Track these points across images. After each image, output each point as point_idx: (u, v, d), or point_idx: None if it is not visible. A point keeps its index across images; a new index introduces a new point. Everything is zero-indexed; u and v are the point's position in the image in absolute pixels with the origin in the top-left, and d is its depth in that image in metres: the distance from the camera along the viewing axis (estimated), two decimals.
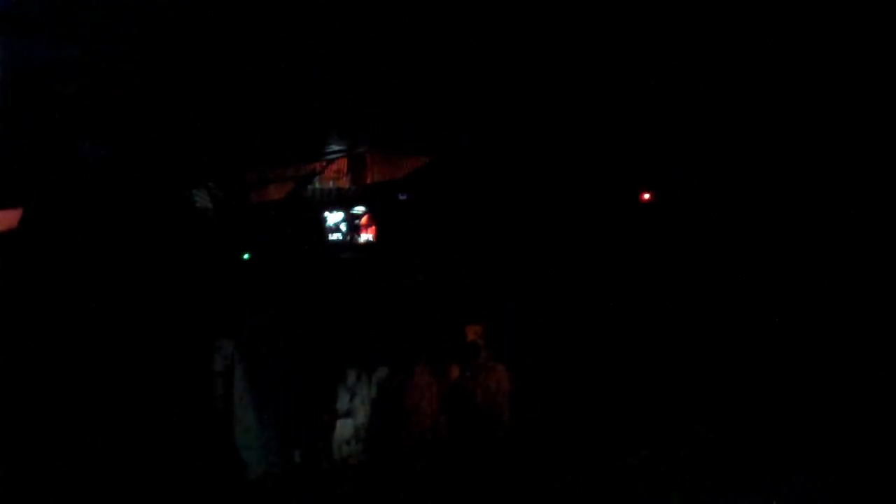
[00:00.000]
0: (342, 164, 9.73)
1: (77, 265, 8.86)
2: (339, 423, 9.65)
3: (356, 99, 7.96)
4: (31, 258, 8.75)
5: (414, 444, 9.29)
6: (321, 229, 9.53)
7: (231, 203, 10.15)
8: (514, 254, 9.93)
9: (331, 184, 9.70)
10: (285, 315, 9.66)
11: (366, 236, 9.61)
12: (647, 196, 9.73)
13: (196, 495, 8.95)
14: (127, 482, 8.55)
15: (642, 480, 8.51)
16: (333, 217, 9.61)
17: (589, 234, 9.90)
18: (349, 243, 9.52)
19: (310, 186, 9.61)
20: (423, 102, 7.93)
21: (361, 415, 9.69)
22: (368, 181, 9.63)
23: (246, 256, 10.18)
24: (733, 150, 8.94)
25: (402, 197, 9.41)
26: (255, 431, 9.38)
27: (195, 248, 9.69)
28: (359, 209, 9.61)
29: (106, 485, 8.54)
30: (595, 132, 8.92)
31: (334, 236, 9.60)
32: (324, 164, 9.60)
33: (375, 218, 9.54)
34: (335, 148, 9.34)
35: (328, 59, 7.14)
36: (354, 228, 9.58)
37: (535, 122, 8.39)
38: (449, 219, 9.62)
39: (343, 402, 9.71)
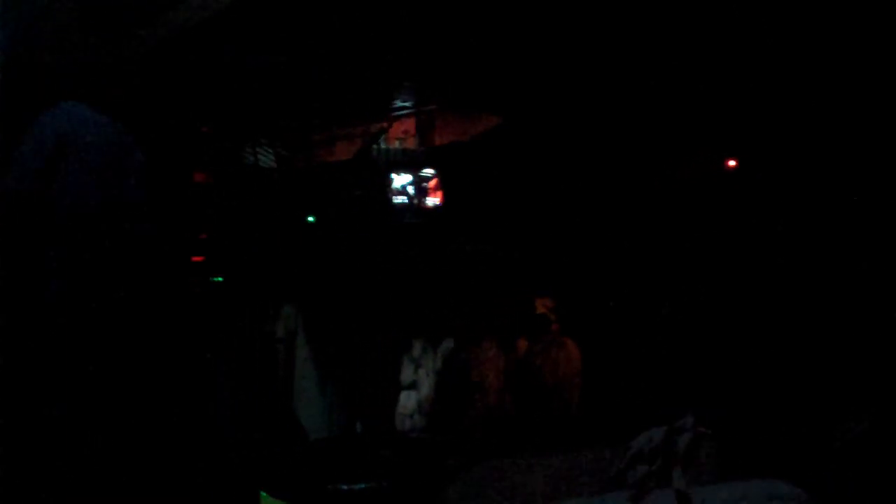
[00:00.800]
0: (410, 124, 9.28)
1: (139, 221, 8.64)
2: (403, 395, 9.40)
3: (425, 53, 7.58)
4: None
5: (479, 419, 9.01)
6: (387, 191, 9.10)
7: (296, 163, 9.85)
8: (587, 223, 9.45)
9: (397, 144, 9.25)
10: (348, 280, 9.33)
11: (432, 200, 9.13)
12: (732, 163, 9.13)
13: (255, 460, 8.76)
14: (183, 441, 8.38)
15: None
16: (400, 179, 9.14)
17: (666, 205, 9.37)
18: (415, 207, 9.06)
19: (375, 147, 9.17)
20: (494, 58, 7.47)
21: (426, 387, 9.43)
22: (437, 142, 9.17)
23: (310, 219, 9.87)
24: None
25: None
26: (317, 399, 9.17)
27: (259, 209, 9.41)
28: (427, 171, 9.13)
29: (162, 445, 8.40)
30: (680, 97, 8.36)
31: (400, 199, 9.15)
32: (390, 122, 9.17)
33: (443, 181, 9.05)
34: (403, 104, 8.89)
35: (397, 12, 6.80)
36: (421, 192, 9.11)
37: (617, 81, 7.87)
38: (519, 184, 9.13)
39: (407, 374, 9.47)
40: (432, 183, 9.12)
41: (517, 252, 9.60)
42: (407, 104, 8.95)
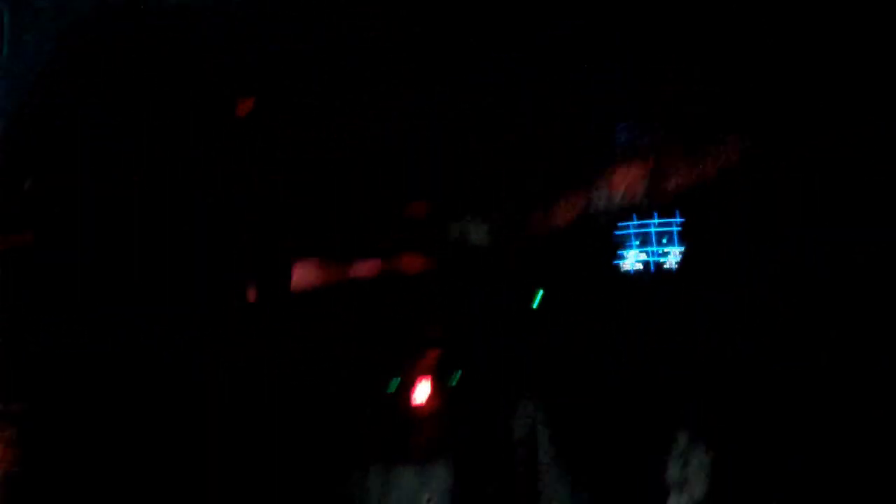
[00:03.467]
0: (632, 172, 7.47)
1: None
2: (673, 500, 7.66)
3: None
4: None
5: None
6: (613, 257, 7.30)
7: (514, 237, 8.38)
8: None
9: (618, 198, 7.44)
10: (588, 362, 7.78)
11: (671, 260, 7.21)
12: None
13: None
14: None
15: None
16: (626, 241, 7.31)
17: None
18: (650, 273, 7.20)
19: (593, 204, 7.39)
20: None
21: (700, 487, 7.57)
22: (669, 188, 7.30)
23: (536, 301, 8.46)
24: None
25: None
26: None
27: (470, 298, 8.06)
28: (660, 228, 7.23)
29: None
30: None
31: (631, 264, 7.32)
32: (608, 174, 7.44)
33: (685, 237, 7.13)
34: (622, 143, 7.14)
35: None
36: (658, 254, 7.23)
37: None
38: (791, 223, 7.13)
39: (674, 472, 7.64)
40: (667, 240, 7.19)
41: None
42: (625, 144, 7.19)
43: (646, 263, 7.34)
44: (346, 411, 8.02)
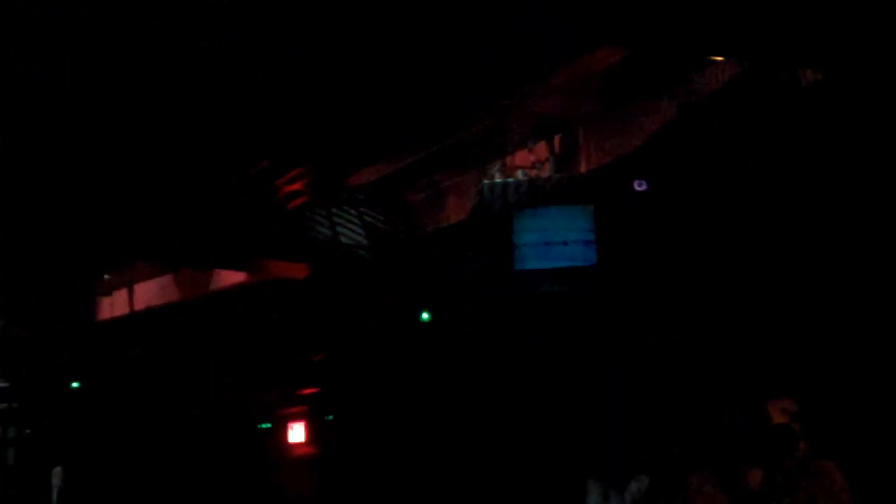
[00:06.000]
0: (540, 150, 6.13)
1: None
2: None
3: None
4: None
5: None
6: (510, 248, 5.90)
7: (394, 235, 7.03)
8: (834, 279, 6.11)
9: (519, 174, 6.06)
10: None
11: (580, 258, 5.81)
12: None
13: None
14: None
15: None
16: (531, 226, 5.90)
17: None
18: (551, 268, 5.82)
19: (487, 182, 5.98)
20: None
21: None
22: (583, 167, 5.96)
23: (425, 316, 7.29)
24: None
25: (638, 187, 5.60)
26: None
27: (344, 310, 6.92)
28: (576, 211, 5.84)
29: None
30: None
31: (529, 257, 5.92)
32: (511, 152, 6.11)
33: (597, 225, 5.75)
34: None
35: None
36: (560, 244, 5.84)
37: None
38: (716, 220, 5.87)
39: None
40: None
41: (725, 331, 6.38)
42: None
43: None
44: None
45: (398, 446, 8.07)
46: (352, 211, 6.92)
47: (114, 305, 9.88)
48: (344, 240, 6.87)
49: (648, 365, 6.19)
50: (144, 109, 5.83)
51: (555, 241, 5.89)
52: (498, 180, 5.99)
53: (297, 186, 6.58)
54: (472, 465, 7.33)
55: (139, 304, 9.47)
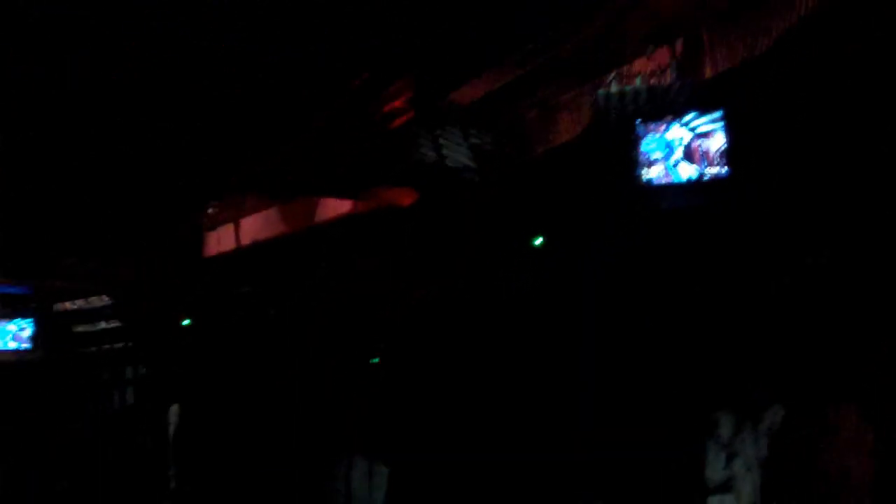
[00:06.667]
0: (662, 55, 5.66)
1: None
2: (715, 501, 6.27)
3: None
4: None
5: None
6: (631, 164, 5.48)
7: (504, 157, 6.73)
8: None
9: (637, 82, 5.60)
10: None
11: (712, 169, 5.34)
12: None
13: None
14: None
15: None
16: (653, 138, 5.46)
17: None
18: (678, 182, 5.38)
19: (603, 91, 5.55)
20: None
21: (748, 488, 6.18)
22: (708, 73, 5.47)
23: (538, 241, 6.90)
24: None
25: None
26: None
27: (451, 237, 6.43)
28: (697, 121, 5.36)
29: None
30: None
31: (654, 171, 5.48)
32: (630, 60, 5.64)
33: (728, 135, 5.26)
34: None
35: None
36: (688, 156, 5.38)
37: None
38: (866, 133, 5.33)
39: (716, 469, 6.29)
40: (707, 140, 5.32)
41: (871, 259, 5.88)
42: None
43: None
44: None
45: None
46: (457, 132, 6.61)
47: (220, 241, 9.88)
48: (450, 163, 6.57)
49: (787, 291, 5.73)
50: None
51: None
52: (615, 89, 5.57)
53: (398, 104, 6.32)
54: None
55: (245, 239, 9.46)
